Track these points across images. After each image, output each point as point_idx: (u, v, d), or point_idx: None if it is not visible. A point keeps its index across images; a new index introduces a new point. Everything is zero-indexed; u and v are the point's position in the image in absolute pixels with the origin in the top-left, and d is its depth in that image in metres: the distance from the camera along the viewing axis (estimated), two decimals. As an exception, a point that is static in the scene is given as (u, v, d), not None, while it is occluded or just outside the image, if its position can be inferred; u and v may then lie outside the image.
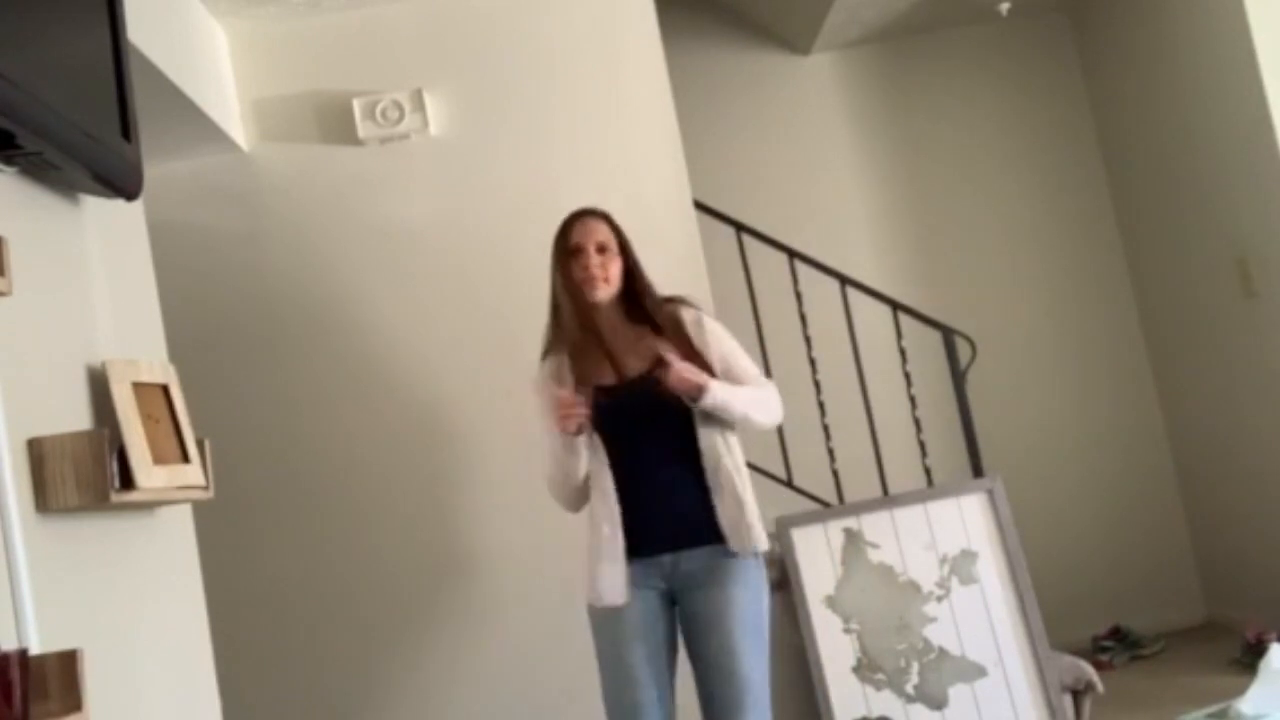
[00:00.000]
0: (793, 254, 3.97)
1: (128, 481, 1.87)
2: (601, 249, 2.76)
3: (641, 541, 2.69)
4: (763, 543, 2.71)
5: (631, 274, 2.79)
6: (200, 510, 2.47)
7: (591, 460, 2.72)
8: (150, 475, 1.92)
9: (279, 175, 3.61)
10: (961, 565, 3.53)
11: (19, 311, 1.75)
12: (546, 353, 2.84)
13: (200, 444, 2.17)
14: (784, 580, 3.53)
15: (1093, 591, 4.87)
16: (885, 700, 3.43)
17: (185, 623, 2.33)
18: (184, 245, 3.46)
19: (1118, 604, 4.85)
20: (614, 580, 2.67)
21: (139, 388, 2.02)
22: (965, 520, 3.57)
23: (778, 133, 5.10)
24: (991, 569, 3.52)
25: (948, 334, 3.94)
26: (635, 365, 2.73)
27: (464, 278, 3.60)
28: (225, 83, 3.53)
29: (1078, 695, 3.47)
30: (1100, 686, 3.47)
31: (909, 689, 3.44)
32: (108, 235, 2.23)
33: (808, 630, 3.46)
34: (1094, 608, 4.79)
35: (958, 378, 3.95)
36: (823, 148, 5.15)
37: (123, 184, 2.07)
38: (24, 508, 1.69)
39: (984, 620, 3.48)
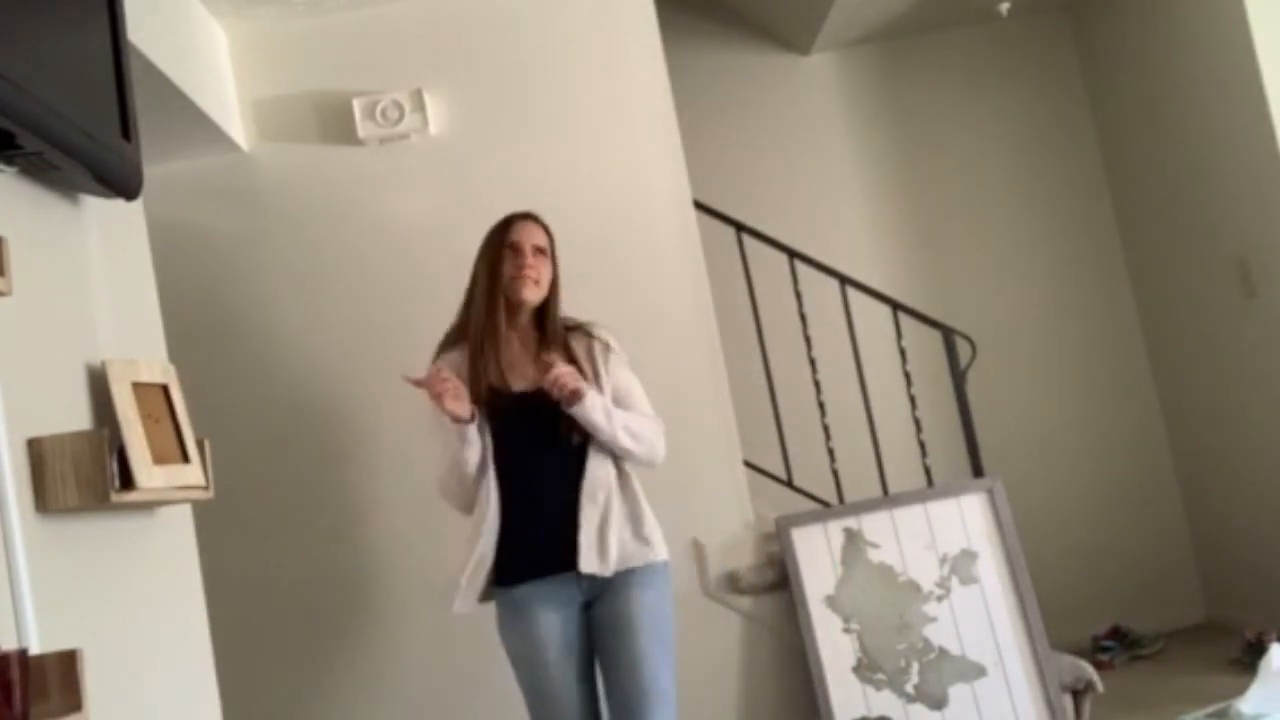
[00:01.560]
0: (793, 254, 3.97)
1: (128, 481, 1.87)
2: (539, 252, 2.80)
3: (549, 555, 2.67)
4: (660, 553, 2.73)
5: (553, 290, 2.83)
6: (200, 510, 2.48)
7: (484, 460, 2.71)
8: (150, 475, 1.92)
9: (279, 175, 3.61)
10: (961, 565, 3.53)
11: (19, 311, 1.76)
12: (444, 347, 2.84)
13: (200, 444, 2.17)
14: (784, 580, 3.53)
15: (1093, 591, 4.87)
16: (885, 700, 3.43)
17: (185, 623, 2.33)
18: (184, 245, 3.46)
19: (1118, 604, 4.85)
20: (468, 588, 2.70)
21: (139, 388, 2.02)
22: (965, 520, 3.57)
23: (778, 133, 5.10)
24: (991, 569, 3.52)
25: (948, 334, 3.94)
26: (535, 377, 2.72)
27: (463, 277, 3.58)
28: (225, 83, 3.53)
29: (1078, 695, 3.47)
30: (1100, 686, 3.47)
31: (909, 689, 3.44)
32: (108, 235, 2.23)
33: (808, 630, 3.46)
34: (1094, 608, 4.78)
35: (958, 378, 3.95)
36: (823, 148, 5.15)
37: (123, 184, 2.08)
38: (24, 508, 1.69)
39: (984, 620, 3.48)
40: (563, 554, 2.66)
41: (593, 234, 3.61)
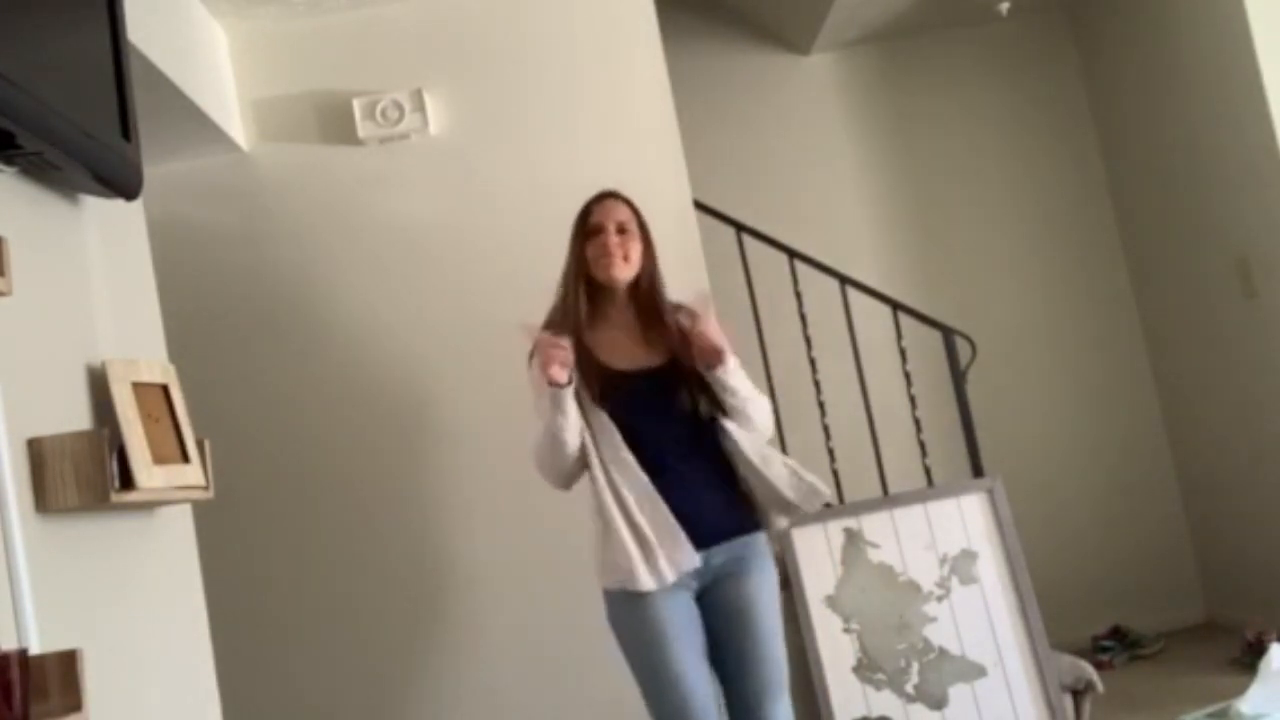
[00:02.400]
0: (793, 254, 3.97)
1: (128, 481, 1.87)
2: (621, 229, 2.74)
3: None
4: (824, 495, 2.70)
5: (647, 265, 2.76)
6: (200, 510, 2.47)
7: (603, 446, 2.64)
8: (150, 475, 1.92)
9: (279, 175, 3.61)
10: (961, 565, 3.53)
11: (19, 311, 1.76)
12: (545, 327, 2.74)
13: (200, 444, 2.17)
14: (784, 580, 3.53)
15: (1093, 591, 4.87)
16: (885, 700, 3.43)
17: (185, 622, 2.33)
18: (184, 245, 3.46)
19: (1118, 604, 4.85)
20: (676, 551, 2.56)
21: (139, 388, 2.02)
22: (965, 520, 3.57)
23: (778, 133, 5.10)
24: (991, 569, 3.52)
25: (948, 334, 3.93)
26: (646, 356, 2.69)
27: (463, 277, 3.60)
28: (225, 83, 3.53)
29: (1078, 695, 3.47)
30: (1100, 686, 3.47)
31: (909, 689, 3.44)
32: (108, 235, 2.23)
33: (808, 630, 3.46)
34: (1094, 608, 4.79)
35: (958, 378, 3.95)
36: (822, 148, 5.15)
37: (123, 184, 2.08)
38: (24, 508, 1.69)
39: (984, 620, 3.48)
40: (695, 531, 2.59)
41: (593, 234, 3.61)
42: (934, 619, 3.49)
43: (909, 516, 3.58)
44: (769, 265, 4.01)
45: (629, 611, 2.62)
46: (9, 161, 1.78)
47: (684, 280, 3.61)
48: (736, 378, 2.66)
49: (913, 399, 3.92)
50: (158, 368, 2.15)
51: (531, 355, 2.71)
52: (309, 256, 3.60)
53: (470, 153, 3.63)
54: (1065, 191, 5.21)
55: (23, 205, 1.89)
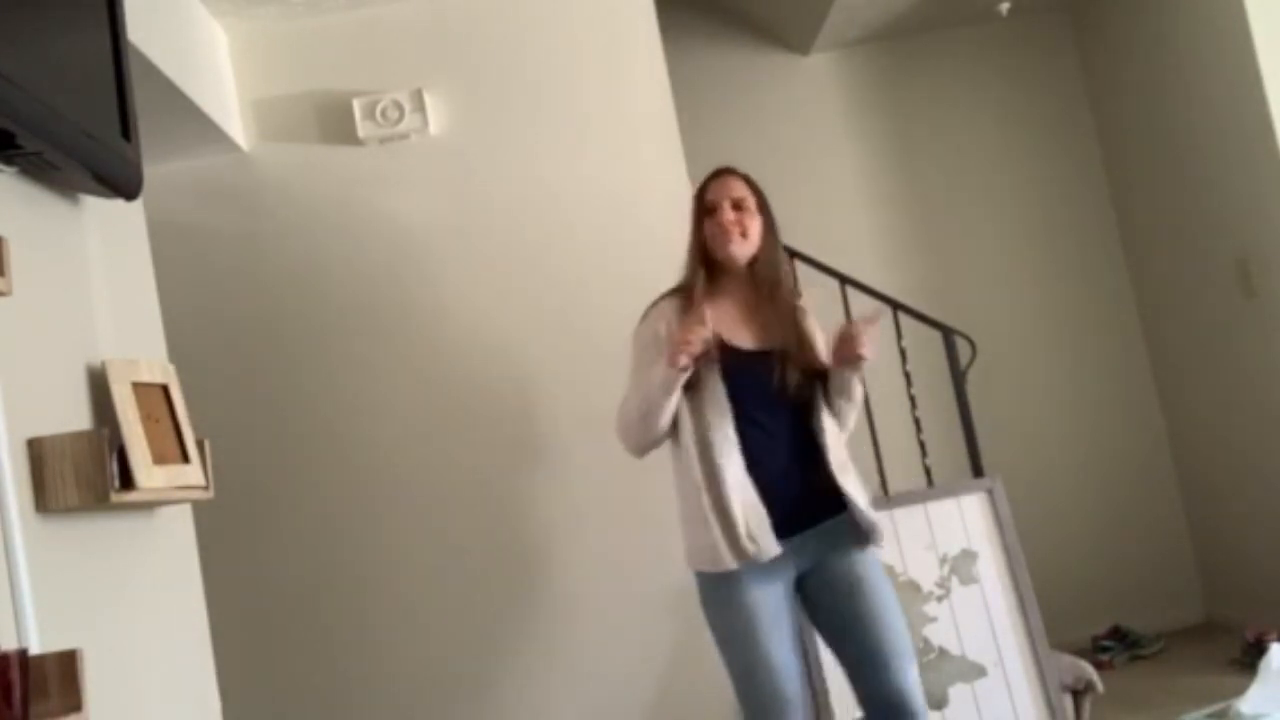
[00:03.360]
0: (793, 254, 3.96)
1: (128, 481, 1.87)
2: (738, 205, 2.70)
3: (781, 520, 2.57)
4: (879, 535, 2.67)
5: (766, 242, 2.71)
6: (200, 510, 2.48)
7: (707, 425, 2.59)
8: (150, 475, 1.92)
9: (279, 175, 3.61)
10: (961, 565, 3.53)
11: (19, 311, 1.76)
12: (664, 296, 2.73)
13: (200, 444, 2.17)
14: (784, 580, 3.53)
15: (1093, 591, 4.87)
16: (885, 700, 3.42)
17: (185, 622, 2.33)
18: (184, 245, 3.46)
19: (1118, 604, 4.85)
20: (762, 536, 2.53)
21: (139, 388, 2.02)
22: (965, 520, 3.57)
23: (778, 132, 5.09)
24: (991, 569, 3.52)
25: (948, 334, 3.93)
26: (761, 336, 2.66)
27: (463, 277, 3.60)
28: (225, 83, 3.53)
29: (1078, 695, 3.47)
30: (1100, 686, 3.47)
31: (909, 689, 3.44)
32: (108, 235, 2.23)
33: (808, 630, 3.45)
34: (1094, 608, 4.78)
35: (958, 378, 3.95)
36: (823, 148, 5.15)
37: (123, 184, 2.08)
38: (24, 508, 1.69)
39: (984, 620, 3.48)
40: (789, 516, 2.57)
41: (593, 234, 3.61)
42: (934, 619, 3.49)
43: (909, 516, 3.58)
44: (769, 265, 4.01)
45: (718, 594, 2.62)
46: (9, 161, 1.78)
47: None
48: (859, 384, 2.66)
49: (913, 399, 3.92)
50: (158, 368, 2.15)
51: (643, 319, 2.72)
52: (309, 256, 3.60)
53: (470, 153, 3.63)
54: (1065, 191, 5.21)
55: (23, 205, 1.88)
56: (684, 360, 2.50)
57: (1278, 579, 4.47)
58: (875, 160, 5.18)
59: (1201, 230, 4.64)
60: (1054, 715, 3.39)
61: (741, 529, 2.54)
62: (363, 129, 3.58)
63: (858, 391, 2.69)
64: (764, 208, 2.74)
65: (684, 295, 2.70)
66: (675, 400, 2.59)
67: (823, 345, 2.74)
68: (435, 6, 3.66)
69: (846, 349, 2.60)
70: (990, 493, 3.59)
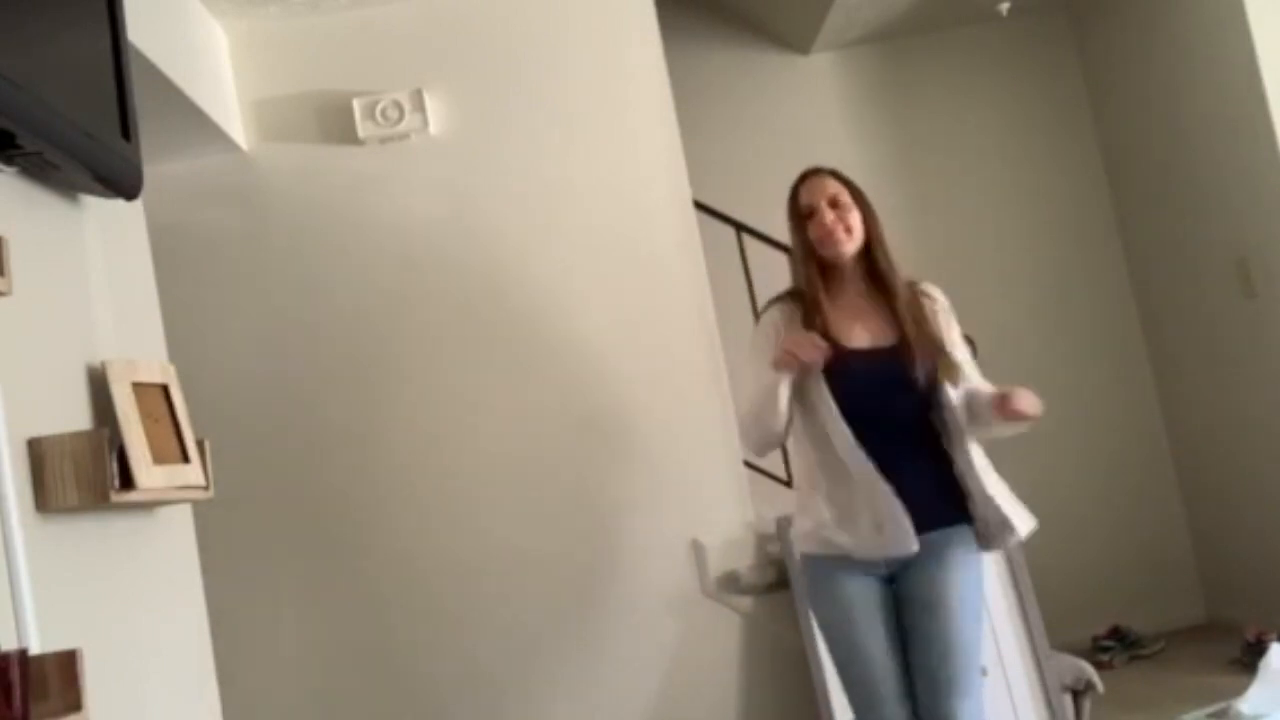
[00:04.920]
0: (793, 253, 3.96)
1: (128, 481, 1.87)
2: (834, 203, 2.70)
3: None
4: (1024, 527, 2.66)
5: (871, 234, 2.71)
6: (200, 510, 2.47)
7: (825, 421, 2.58)
8: (150, 475, 1.92)
9: (279, 175, 3.61)
10: (961, 565, 3.52)
11: (19, 311, 1.76)
12: (777, 299, 2.75)
13: (200, 444, 2.17)
14: (784, 580, 3.53)
15: (1093, 591, 4.86)
16: (885, 700, 3.42)
17: (185, 623, 2.33)
18: (184, 245, 3.46)
19: (1118, 604, 4.85)
20: (899, 530, 2.53)
21: (139, 388, 2.02)
22: (965, 520, 3.57)
23: (777, 132, 5.09)
24: (991, 569, 3.51)
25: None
26: (878, 333, 2.64)
27: (463, 277, 3.60)
28: (225, 83, 3.53)
29: (1078, 695, 3.46)
30: (1100, 686, 3.47)
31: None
32: (108, 235, 2.23)
33: (807, 630, 3.45)
34: (1094, 608, 4.78)
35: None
36: (823, 148, 5.12)
37: (123, 184, 2.08)
38: (24, 508, 1.69)
39: (984, 620, 3.47)
40: (916, 512, 2.55)
41: (592, 233, 3.61)
42: (934, 619, 3.48)
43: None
44: (769, 265, 4.00)
45: (822, 583, 2.64)
46: (9, 161, 1.78)
47: (684, 280, 3.63)
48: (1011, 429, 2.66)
49: (913, 399, 3.91)
50: (158, 368, 2.15)
51: (759, 322, 2.75)
52: (309, 256, 3.60)
53: (470, 153, 3.63)
54: (1065, 191, 5.21)
55: (23, 205, 1.89)
56: (790, 361, 2.53)
57: (1278, 579, 4.47)
58: (875, 160, 5.17)
59: (1201, 231, 4.64)
60: (1054, 715, 3.39)
61: (865, 522, 2.55)
62: (363, 129, 3.58)
63: (1004, 432, 2.68)
64: (859, 198, 2.74)
65: (799, 299, 2.70)
66: (785, 401, 2.59)
67: (954, 337, 2.73)
68: (435, 6, 3.66)
69: (1007, 407, 2.58)
70: (990, 493, 3.58)
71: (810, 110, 5.15)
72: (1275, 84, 4.08)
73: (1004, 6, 4.46)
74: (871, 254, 2.71)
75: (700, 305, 3.65)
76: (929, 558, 2.59)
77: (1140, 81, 4.87)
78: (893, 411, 2.61)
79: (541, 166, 3.62)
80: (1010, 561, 3.52)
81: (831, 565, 2.61)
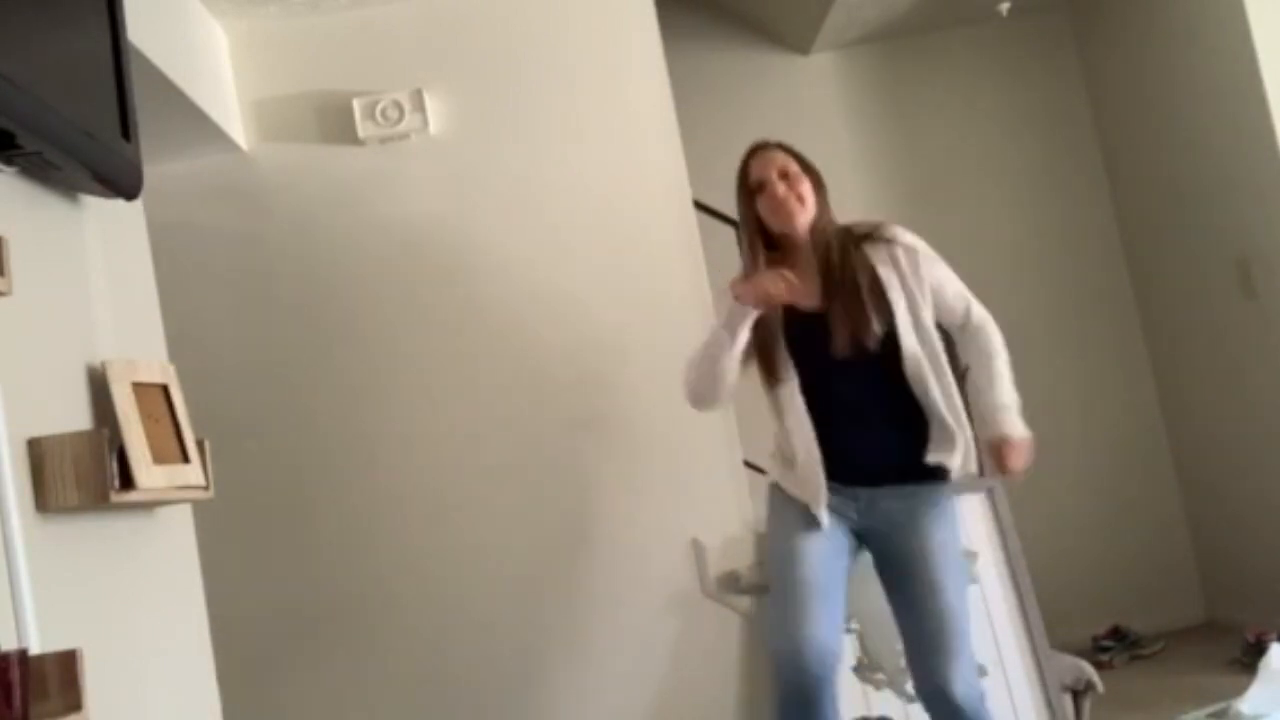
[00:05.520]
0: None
1: (128, 481, 1.87)
2: (784, 175, 2.71)
3: (836, 471, 2.63)
4: (972, 463, 2.70)
5: (822, 199, 2.73)
6: (200, 510, 2.48)
7: (782, 374, 2.65)
8: (150, 475, 1.92)
9: (279, 175, 3.61)
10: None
11: (19, 311, 1.76)
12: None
13: (200, 444, 2.17)
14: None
15: (1093, 591, 4.87)
16: (885, 700, 3.42)
17: (185, 622, 2.33)
18: (184, 245, 3.46)
19: (1118, 604, 4.85)
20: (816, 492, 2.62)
21: (139, 388, 2.02)
22: (965, 520, 3.56)
23: (778, 133, 4.98)
24: (991, 569, 3.52)
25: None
26: (828, 295, 2.65)
27: (463, 277, 3.60)
28: (225, 83, 3.53)
29: (1078, 695, 3.46)
30: (1100, 686, 3.47)
31: (909, 689, 3.43)
32: (108, 235, 2.23)
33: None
34: (1094, 608, 4.78)
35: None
36: (823, 148, 5.08)
37: (123, 184, 2.08)
38: (24, 508, 1.69)
39: (984, 620, 3.47)
40: (854, 470, 2.63)
41: (593, 233, 3.61)
42: (934, 619, 3.48)
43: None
44: (769, 265, 4.01)
45: (777, 508, 2.74)
46: (9, 161, 1.78)
47: (684, 280, 3.63)
48: (1015, 411, 2.75)
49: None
50: (158, 368, 2.15)
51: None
52: (309, 256, 3.60)
53: (470, 153, 3.63)
54: (1065, 191, 5.21)
55: (23, 205, 1.89)
56: (748, 296, 2.57)
57: (1278, 579, 4.47)
58: (875, 160, 5.18)
59: (1201, 230, 4.64)
60: (1054, 715, 3.39)
61: (798, 476, 2.65)
62: (363, 129, 3.58)
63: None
64: (808, 168, 2.76)
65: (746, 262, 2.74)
66: (740, 345, 2.63)
67: (934, 276, 2.79)
68: (435, 6, 3.66)
69: (999, 462, 2.67)
70: (990, 493, 3.59)
71: (810, 110, 5.15)
72: (1275, 84, 4.08)
73: (1004, 6, 4.46)
74: (820, 221, 2.72)
75: (700, 305, 3.65)
76: (900, 516, 2.64)
77: (1140, 81, 4.87)
78: (844, 373, 2.64)
79: (541, 166, 3.62)
80: (1010, 561, 3.52)
81: (789, 498, 2.70)
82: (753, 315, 2.61)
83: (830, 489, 2.64)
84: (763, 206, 2.71)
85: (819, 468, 2.63)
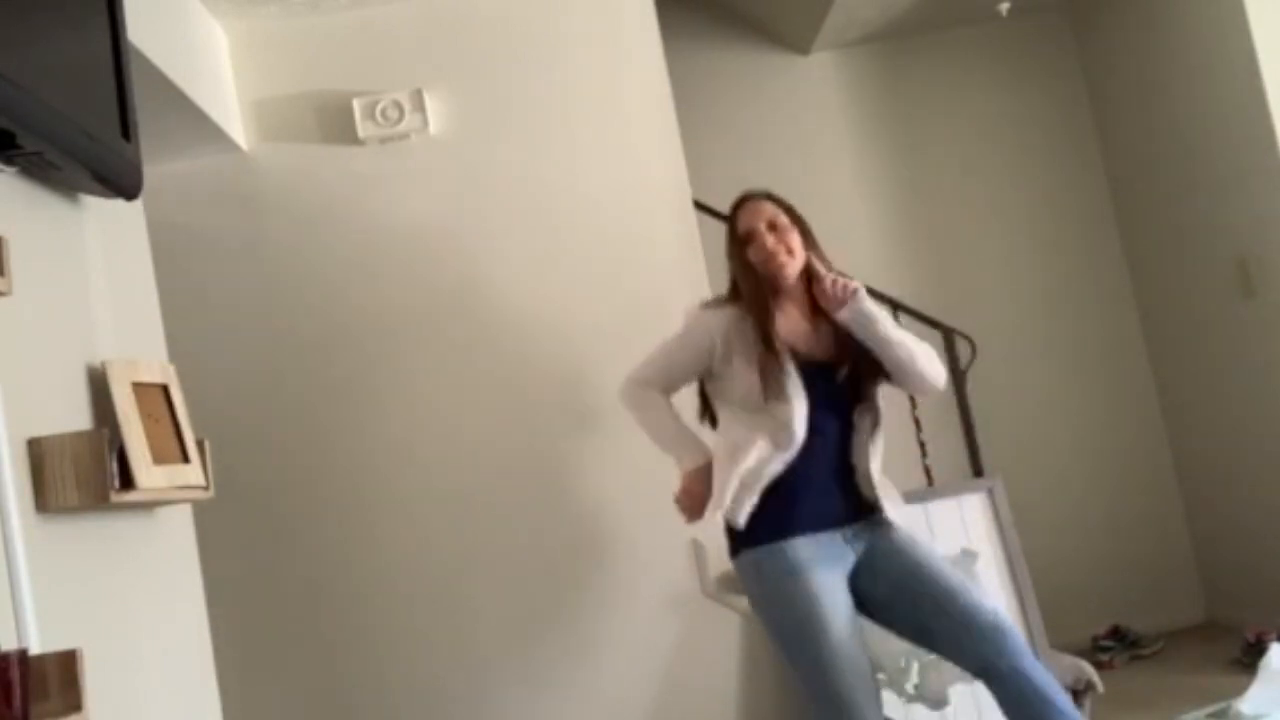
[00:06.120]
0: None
1: (128, 481, 1.87)
2: (773, 226, 2.76)
3: (810, 519, 2.67)
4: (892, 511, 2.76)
5: (809, 249, 2.77)
6: (200, 510, 2.48)
7: (781, 416, 2.66)
8: (150, 475, 1.92)
9: (279, 175, 3.61)
10: (961, 565, 3.51)
11: (19, 311, 1.76)
12: (709, 305, 2.84)
13: (200, 444, 2.17)
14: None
15: (1093, 591, 4.87)
16: (885, 700, 3.42)
17: (185, 623, 2.33)
18: (184, 245, 3.46)
19: (1118, 604, 4.85)
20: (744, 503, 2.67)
21: (139, 388, 2.02)
22: (965, 520, 3.57)
23: (777, 132, 5.09)
24: (991, 569, 3.52)
25: (948, 334, 3.94)
26: (830, 343, 2.73)
27: (463, 277, 3.60)
28: (225, 83, 3.53)
29: (1078, 695, 3.46)
30: (1100, 686, 3.47)
31: (909, 689, 3.43)
32: (108, 235, 2.23)
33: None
34: (1094, 608, 4.78)
35: (958, 378, 3.95)
36: (823, 148, 5.15)
37: (123, 184, 2.08)
38: (24, 508, 1.69)
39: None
40: (836, 508, 2.68)
41: (592, 234, 3.61)
42: (934, 619, 3.48)
43: (909, 516, 3.57)
44: (769, 265, 4.00)
45: (771, 575, 2.69)
46: (9, 161, 1.78)
47: (684, 280, 3.63)
48: (872, 305, 2.71)
49: (912, 399, 3.92)
50: (158, 368, 2.15)
51: (700, 313, 2.83)
52: (309, 256, 3.60)
53: (470, 153, 3.63)
54: (1065, 191, 5.21)
55: (23, 205, 1.89)
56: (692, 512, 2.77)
57: (1278, 579, 4.47)
58: (875, 160, 5.18)
59: (1201, 230, 4.64)
60: (1054, 715, 3.39)
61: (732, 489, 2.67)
62: (363, 129, 3.58)
63: (879, 319, 2.72)
64: (796, 219, 2.81)
65: (740, 308, 2.76)
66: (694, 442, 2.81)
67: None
68: (435, 6, 3.66)
69: (824, 298, 2.70)
70: (990, 493, 3.59)
71: (810, 110, 5.15)
72: (1275, 84, 4.08)
73: (1004, 6, 4.46)
74: (811, 273, 2.76)
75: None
76: (879, 537, 2.72)
77: (1140, 81, 4.87)
78: (830, 420, 2.71)
79: (541, 167, 3.62)
80: (1010, 561, 3.52)
81: (794, 554, 2.67)
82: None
83: (812, 539, 2.66)
84: (753, 255, 2.76)
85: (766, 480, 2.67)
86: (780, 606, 2.66)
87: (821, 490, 2.69)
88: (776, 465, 2.65)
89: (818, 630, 2.58)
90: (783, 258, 2.73)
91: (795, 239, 2.76)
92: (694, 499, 2.75)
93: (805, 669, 2.63)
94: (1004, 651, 2.58)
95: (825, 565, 2.64)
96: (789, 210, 2.81)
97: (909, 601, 2.70)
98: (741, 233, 2.78)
